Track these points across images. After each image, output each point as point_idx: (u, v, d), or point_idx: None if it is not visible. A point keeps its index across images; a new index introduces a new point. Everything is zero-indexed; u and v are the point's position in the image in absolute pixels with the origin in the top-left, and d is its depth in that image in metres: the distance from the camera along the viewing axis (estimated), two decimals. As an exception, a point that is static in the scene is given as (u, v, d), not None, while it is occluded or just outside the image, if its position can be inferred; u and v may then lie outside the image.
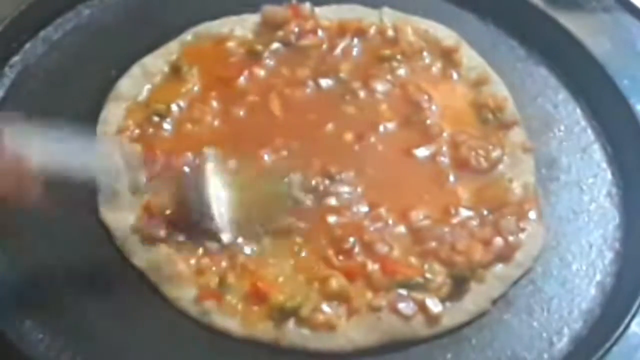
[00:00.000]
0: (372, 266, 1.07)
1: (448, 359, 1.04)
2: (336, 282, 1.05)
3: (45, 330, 1.01)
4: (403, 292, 1.05)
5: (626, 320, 1.05)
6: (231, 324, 1.03)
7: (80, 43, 1.27)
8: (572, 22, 1.31)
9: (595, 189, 1.19)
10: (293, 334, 1.02)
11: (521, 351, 1.05)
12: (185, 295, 1.04)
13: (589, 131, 1.25)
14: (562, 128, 1.25)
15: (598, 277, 1.11)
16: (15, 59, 1.24)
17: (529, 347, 1.05)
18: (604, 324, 1.06)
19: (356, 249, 1.08)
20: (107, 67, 1.23)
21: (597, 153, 1.23)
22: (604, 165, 1.22)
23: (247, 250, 1.08)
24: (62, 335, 1.01)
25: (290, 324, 1.03)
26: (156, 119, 1.17)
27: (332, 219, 1.11)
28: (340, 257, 1.07)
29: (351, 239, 1.09)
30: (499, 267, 1.09)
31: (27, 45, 1.25)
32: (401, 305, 1.04)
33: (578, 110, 1.27)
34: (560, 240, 1.14)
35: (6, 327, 1.00)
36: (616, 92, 1.24)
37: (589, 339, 1.06)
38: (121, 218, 1.09)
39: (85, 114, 1.18)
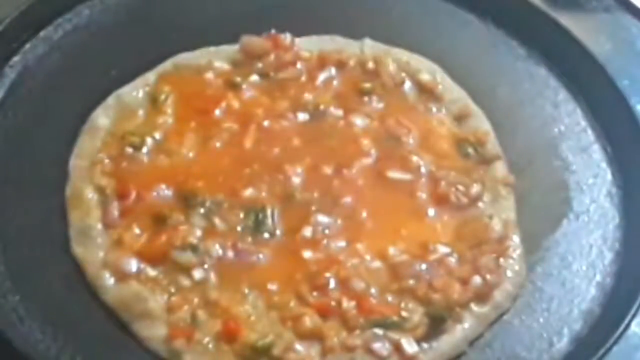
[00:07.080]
0: (348, 303, 1.04)
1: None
2: (310, 320, 1.02)
3: (45, 330, 1.01)
4: (379, 331, 1.03)
5: (626, 320, 1.05)
6: None
7: (80, 43, 1.27)
8: (572, 22, 1.32)
9: (595, 189, 1.19)
10: None
11: (521, 351, 1.05)
12: (155, 334, 1.02)
13: (589, 131, 1.25)
14: (562, 128, 1.25)
15: (598, 277, 1.11)
16: (15, 59, 1.24)
17: (529, 347, 1.05)
18: (604, 324, 1.06)
19: (332, 285, 1.05)
20: (107, 68, 1.23)
21: (597, 153, 1.23)
22: (604, 165, 1.22)
23: (218, 286, 1.05)
24: (62, 335, 1.01)
25: None
26: (130, 150, 1.15)
27: (307, 254, 1.08)
28: (315, 294, 1.05)
29: (327, 274, 1.06)
30: (477, 307, 1.06)
31: (27, 45, 1.25)
32: (376, 346, 1.01)
33: (578, 110, 1.27)
34: (560, 241, 1.14)
35: (6, 327, 1.00)
36: (616, 92, 1.24)
37: (589, 339, 1.06)
38: (92, 253, 1.07)
39: (84, 115, 1.18)
